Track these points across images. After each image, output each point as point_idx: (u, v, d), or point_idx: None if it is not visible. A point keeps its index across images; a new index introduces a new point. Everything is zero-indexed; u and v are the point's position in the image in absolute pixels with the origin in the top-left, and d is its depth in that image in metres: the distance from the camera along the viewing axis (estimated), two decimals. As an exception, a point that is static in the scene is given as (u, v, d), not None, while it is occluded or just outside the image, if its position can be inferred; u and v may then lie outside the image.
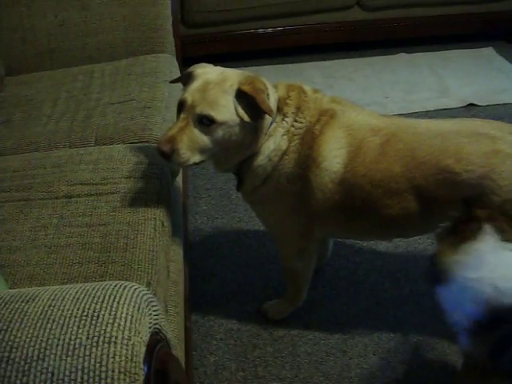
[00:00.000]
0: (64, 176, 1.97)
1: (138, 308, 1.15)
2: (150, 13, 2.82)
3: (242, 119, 1.80)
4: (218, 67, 1.94)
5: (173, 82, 2.10)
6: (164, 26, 2.86)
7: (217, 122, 1.77)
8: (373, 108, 3.53)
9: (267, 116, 1.84)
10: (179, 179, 2.43)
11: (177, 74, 2.68)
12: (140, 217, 1.80)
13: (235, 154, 1.90)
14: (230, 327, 2.29)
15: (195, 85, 1.81)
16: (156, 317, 1.28)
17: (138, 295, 1.18)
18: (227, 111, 1.79)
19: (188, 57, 3.88)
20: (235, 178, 2.03)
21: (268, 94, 1.86)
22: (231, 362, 2.17)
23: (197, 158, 1.81)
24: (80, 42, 2.76)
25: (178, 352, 1.76)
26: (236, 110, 1.80)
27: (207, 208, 2.85)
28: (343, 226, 2.02)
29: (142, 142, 2.19)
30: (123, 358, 0.99)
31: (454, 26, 4.32)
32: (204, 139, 1.79)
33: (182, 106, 1.81)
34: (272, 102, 1.87)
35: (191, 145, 1.78)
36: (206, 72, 1.86)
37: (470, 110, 3.62)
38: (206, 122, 1.77)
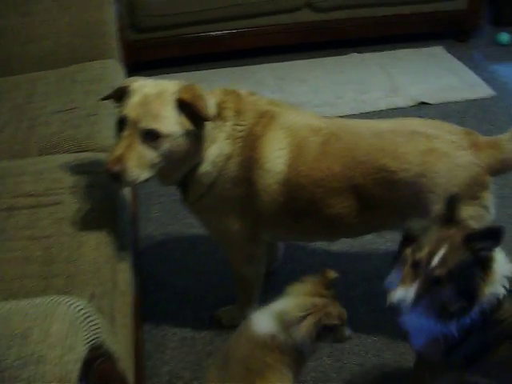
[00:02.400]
0: (6, 188, 1.92)
1: (73, 324, 1.12)
2: (94, 18, 2.78)
3: (186, 129, 1.78)
4: (153, 79, 1.91)
5: (105, 98, 1.99)
6: (109, 32, 2.82)
7: (163, 135, 1.73)
8: (324, 109, 3.56)
9: (209, 122, 1.82)
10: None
11: (122, 80, 2.63)
12: (84, 227, 1.76)
13: (182, 165, 1.87)
14: (184, 335, 2.26)
15: (134, 99, 1.76)
16: (95, 331, 1.25)
17: (73, 310, 1.15)
18: (171, 122, 1.75)
19: (139, 62, 3.86)
20: (179, 190, 2.01)
21: (207, 100, 1.84)
22: (185, 370, 2.14)
23: (146, 174, 1.77)
24: (21, 49, 2.70)
25: (127, 364, 1.73)
26: (179, 120, 1.77)
27: (159, 215, 2.82)
28: (290, 227, 2.01)
29: (86, 150, 2.15)
30: (55, 377, 0.96)
31: (404, 25, 4.36)
32: (152, 154, 1.75)
33: (123, 122, 1.75)
34: (211, 108, 1.85)
35: (140, 162, 1.73)
36: (143, 85, 1.81)
37: (421, 108, 3.66)
38: (151, 137, 1.73)
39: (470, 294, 1.52)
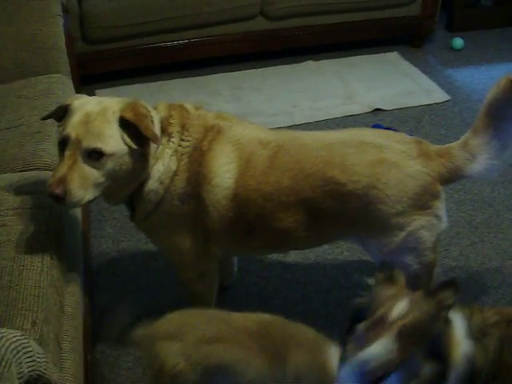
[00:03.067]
0: None
1: (4, 357, 1.07)
2: (40, 32, 2.72)
3: (129, 147, 1.74)
4: (95, 97, 1.88)
5: (45, 118, 1.96)
6: (57, 45, 2.75)
7: (106, 155, 1.70)
8: (280, 118, 3.54)
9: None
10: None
11: (71, 95, 2.57)
12: (27, 250, 1.70)
13: (127, 184, 1.83)
14: (139, 355, 2.20)
15: (76, 118, 1.72)
16: (31, 363, 1.20)
17: (3, 344, 1.09)
18: (115, 141, 1.72)
19: (91, 74, 3.79)
20: (127, 209, 1.96)
21: (152, 117, 1.80)
22: (140, 392, 2.09)
23: (91, 195, 1.73)
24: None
25: (76, 390, 1.67)
26: (123, 139, 1.73)
27: (112, 231, 2.76)
28: (242, 242, 1.98)
29: (31, 169, 2.08)
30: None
31: (359, 32, 4.37)
32: (96, 174, 1.71)
33: (64, 142, 1.71)
34: (156, 126, 1.82)
35: (83, 182, 1.69)
36: (84, 103, 1.78)
37: (377, 114, 3.66)
38: (95, 156, 1.69)
39: (441, 352, 1.39)
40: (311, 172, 1.83)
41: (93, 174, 1.70)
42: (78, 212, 2.34)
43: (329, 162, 1.83)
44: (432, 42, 4.64)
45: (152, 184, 1.85)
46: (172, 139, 1.85)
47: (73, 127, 1.70)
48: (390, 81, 4.05)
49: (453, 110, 3.72)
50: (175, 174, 1.84)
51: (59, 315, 1.71)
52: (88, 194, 1.72)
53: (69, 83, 2.70)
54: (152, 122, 1.80)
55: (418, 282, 2.00)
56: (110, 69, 3.90)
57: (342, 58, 4.34)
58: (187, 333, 1.67)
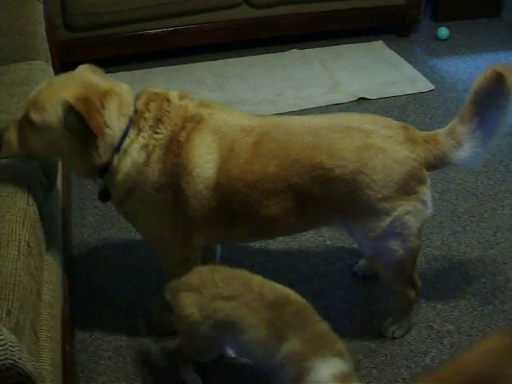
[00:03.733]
0: None
1: (-25, 347, 1.04)
2: (19, 18, 2.66)
3: (69, 128, 1.77)
4: (85, 73, 1.91)
5: None
6: (36, 32, 2.69)
7: (37, 126, 1.78)
8: (264, 107, 3.52)
9: (111, 132, 1.80)
10: (59, 192, 2.32)
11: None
12: (3, 239, 1.67)
13: (75, 162, 1.87)
14: (119, 344, 2.19)
15: (42, 84, 1.85)
16: (4, 351, 1.18)
17: (-26, 333, 1.07)
18: (50, 118, 1.77)
19: (73, 62, 3.73)
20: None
21: (108, 113, 1.79)
22: (121, 381, 2.07)
23: (25, 153, 1.85)
24: None
25: (53, 379, 1.65)
26: (63, 120, 1.76)
27: (94, 220, 2.73)
28: (225, 231, 1.97)
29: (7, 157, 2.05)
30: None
31: (344, 20, 4.34)
32: (29, 138, 1.82)
33: None
34: (114, 121, 1.81)
35: (19, 140, 1.83)
36: (69, 75, 1.88)
37: (361, 103, 3.65)
38: (32, 125, 1.78)
39: None
40: (298, 158, 1.82)
41: (27, 137, 1.82)
42: (58, 200, 2.31)
43: (316, 147, 1.82)
44: (418, 32, 4.62)
45: (120, 177, 1.85)
46: (142, 133, 1.84)
47: (34, 91, 1.84)
48: (375, 70, 4.04)
49: (437, 100, 3.71)
50: (145, 165, 1.83)
51: (36, 304, 1.68)
52: (22, 152, 1.85)
53: (49, 70, 2.66)
54: (110, 114, 1.80)
55: (402, 269, 2.01)
56: (93, 56, 3.80)
57: (327, 47, 4.31)
58: (207, 287, 1.81)
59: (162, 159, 1.83)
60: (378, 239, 1.91)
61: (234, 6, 4.00)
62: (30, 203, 1.83)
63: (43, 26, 2.75)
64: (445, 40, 4.50)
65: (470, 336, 2.20)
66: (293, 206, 1.87)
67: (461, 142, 1.89)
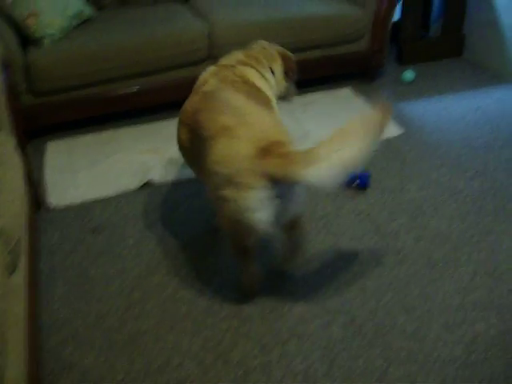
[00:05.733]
0: None
1: None
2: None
3: None
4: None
5: None
6: (-3, 101, 2.67)
7: None
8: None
9: None
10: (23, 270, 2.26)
11: (12, 155, 2.48)
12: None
13: None
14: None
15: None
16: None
17: None
18: None
19: (41, 126, 3.72)
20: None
21: None
22: None
23: None
24: None
25: None
26: None
27: (64, 290, 2.63)
28: None
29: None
30: None
31: (311, 70, 4.34)
32: None
33: None
34: None
35: None
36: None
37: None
38: None
39: None
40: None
41: None
42: (21, 277, 2.24)
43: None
44: (383, 76, 4.67)
45: None
46: None
47: None
48: (343, 117, 4.02)
49: (406, 143, 3.72)
50: None
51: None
52: None
53: (11, 141, 2.61)
54: None
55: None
56: (59, 120, 3.82)
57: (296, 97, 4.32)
58: None
59: None
60: None
61: (199, 62, 4.01)
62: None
63: (3, 95, 2.71)
64: (411, 82, 4.55)
65: (454, 389, 2.14)
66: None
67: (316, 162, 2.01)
